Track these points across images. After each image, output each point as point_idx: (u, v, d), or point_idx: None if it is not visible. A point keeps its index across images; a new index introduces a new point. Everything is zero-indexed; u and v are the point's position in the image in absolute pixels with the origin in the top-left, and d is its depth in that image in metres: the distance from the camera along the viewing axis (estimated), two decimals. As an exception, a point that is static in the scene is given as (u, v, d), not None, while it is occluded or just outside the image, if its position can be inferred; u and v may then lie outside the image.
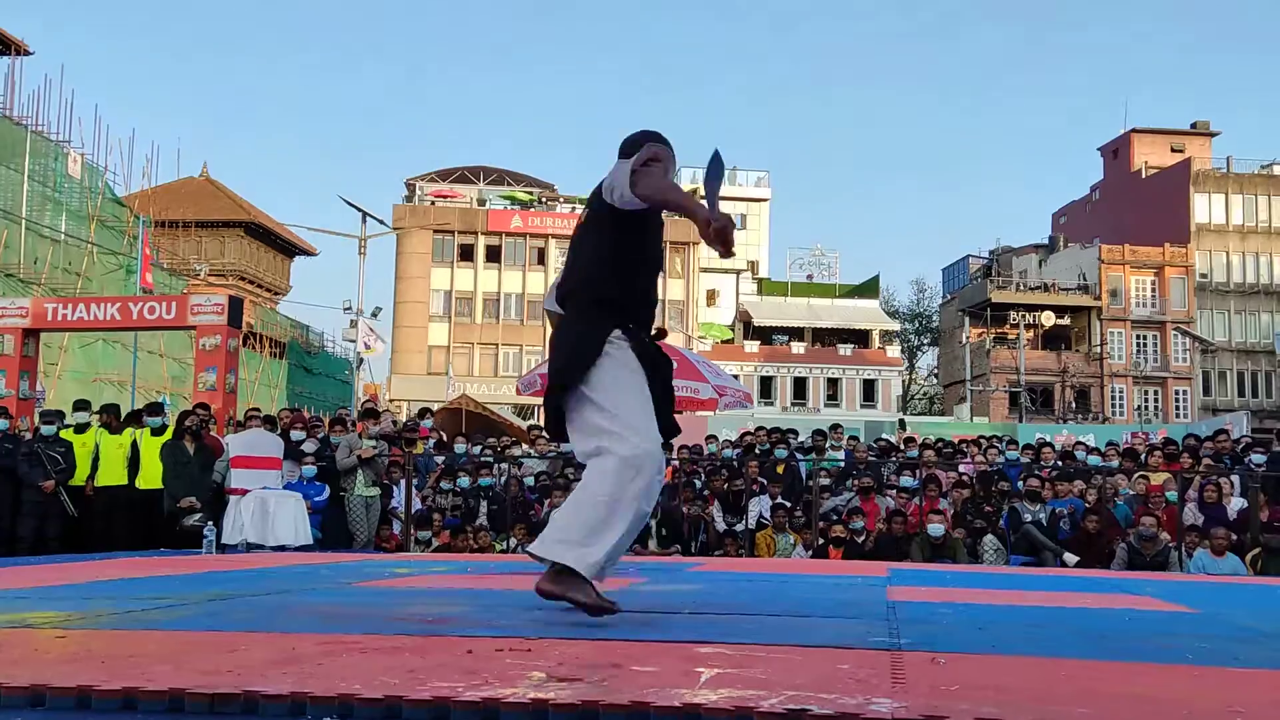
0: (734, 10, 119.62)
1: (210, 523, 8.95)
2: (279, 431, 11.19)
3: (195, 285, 33.24)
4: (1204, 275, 51.92)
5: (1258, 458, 11.38)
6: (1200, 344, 46.91)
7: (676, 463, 12.54)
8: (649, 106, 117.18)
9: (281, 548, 9.34)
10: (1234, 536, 9.98)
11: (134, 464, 10.34)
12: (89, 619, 3.31)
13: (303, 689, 2.01)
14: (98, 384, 23.98)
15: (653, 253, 3.71)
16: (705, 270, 51.61)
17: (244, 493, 9.64)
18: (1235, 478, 10.93)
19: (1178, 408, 50.37)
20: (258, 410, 12.15)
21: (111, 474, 10.33)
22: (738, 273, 53.01)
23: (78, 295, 21.65)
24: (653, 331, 3.67)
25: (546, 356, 3.61)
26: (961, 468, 12.22)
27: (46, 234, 24.56)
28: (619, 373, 3.43)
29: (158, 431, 10.48)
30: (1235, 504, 10.56)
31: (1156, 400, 50.63)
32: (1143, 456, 12.46)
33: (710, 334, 50.75)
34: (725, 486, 11.44)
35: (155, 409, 11.14)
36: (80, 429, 10.56)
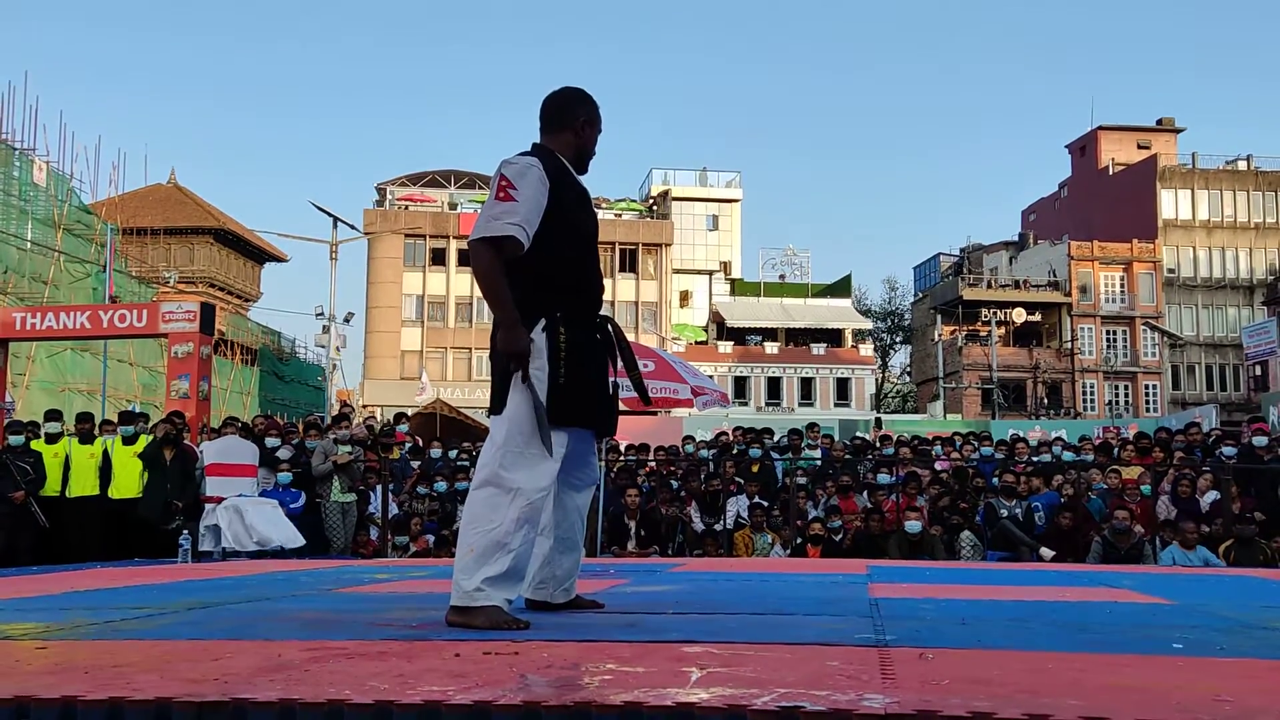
0: (708, 11, 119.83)
1: (186, 531, 8.88)
2: (253, 438, 11.12)
3: (165, 293, 32.97)
4: (1172, 270, 52.44)
5: (1228, 450, 11.50)
6: (1169, 338, 47.35)
7: (654, 464, 12.56)
8: (621, 107, 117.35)
9: (258, 555, 9.27)
10: (1206, 529, 10.07)
11: (105, 474, 10.25)
12: (69, 630, 3.28)
13: (291, 695, 1.99)
14: (66, 393, 23.75)
15: None
16: (678, 271, 51.68)
17: (219, 500, 9.57)
18: (1207, 470, 11.03)
19: (1148, 402, 50.83)
20: (235, 419, 12.07)
21: (84, 484, 10.22)
22: (710, 274, 53.10)
23: (46, 304, 21.44)
24: None
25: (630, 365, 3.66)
26: (938, 465, 12.28)
27: (13, 243, 24.30)
28: None
29: (129, 440, 10.38)
30: (1209, 496, 10.66)
31: (1127, 395, 51.07)
32: (1115, 451, 12.55)
33: (684, 335, 50.77)
34: (702, 487, 11.45)
35: (127, 418, 11.05)
36: (52, 439, 10.45)
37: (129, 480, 10.16)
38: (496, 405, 3.37)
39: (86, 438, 10.51)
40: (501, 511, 3.23)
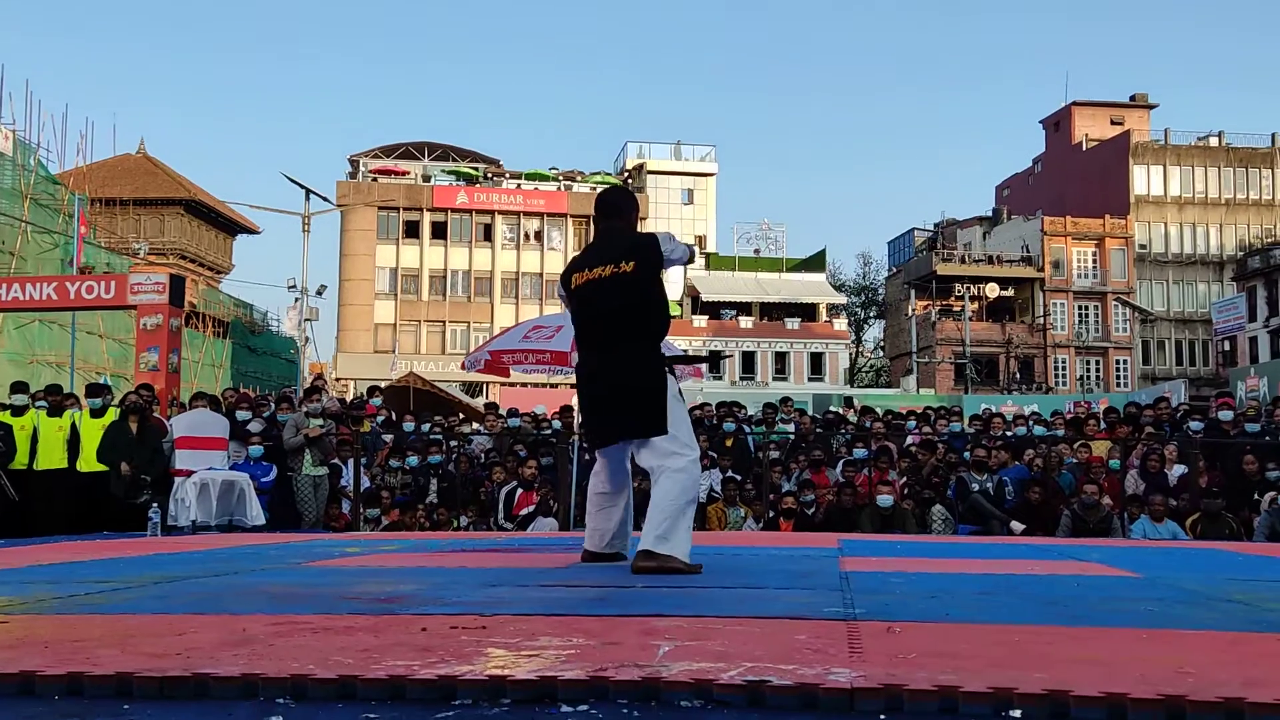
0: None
1: (155, 505, 8.81)
2: (224, 412, 11.03)
3: (136, 265, 32.63)
4: (1143, 246, 52.78)
5: (1196, 425, 11.59)
6: (1140, 314, 47.70)
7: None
8: (594, 81, 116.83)
9: (229, 529, 9.23)
10: (1173, 503, 10.16)
11: (74, 446, 10.13)
12: (31, 604, 3.24)
13: (254, 670, 1.97)
14: (34, 365, 23.53)
15: None
16: (652, 246, 51.45)
17: (189, 474, 9.50)
18: (1174, 445, 11.12)
19: (1118, 377, 51.25)
20: (204, 393, 11.97)
21: (51, 457, 10.11)
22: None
23: (12, 275, 21.17)
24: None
25: (617, 379, 4.46)
26: (910, 439, 12.31)
27: (-22, 213, 24.02)
28: (677, 402, 4.45)
29: (98, 413, 10.26)
30: (1176, 471, 10.75)
31: (1098, 370, 51.47)
32: (1085, 425, 12.63)
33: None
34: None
35: (95, 390, 10.93)
36: (18, 411, 10.32)
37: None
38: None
39: (55, 410, 10.38)
40: None
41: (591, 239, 4.75)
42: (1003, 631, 2.67)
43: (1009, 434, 12.23)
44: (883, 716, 1.76)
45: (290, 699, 1.88)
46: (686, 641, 2.34)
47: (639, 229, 4.76)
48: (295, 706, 1.84)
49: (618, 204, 4.70)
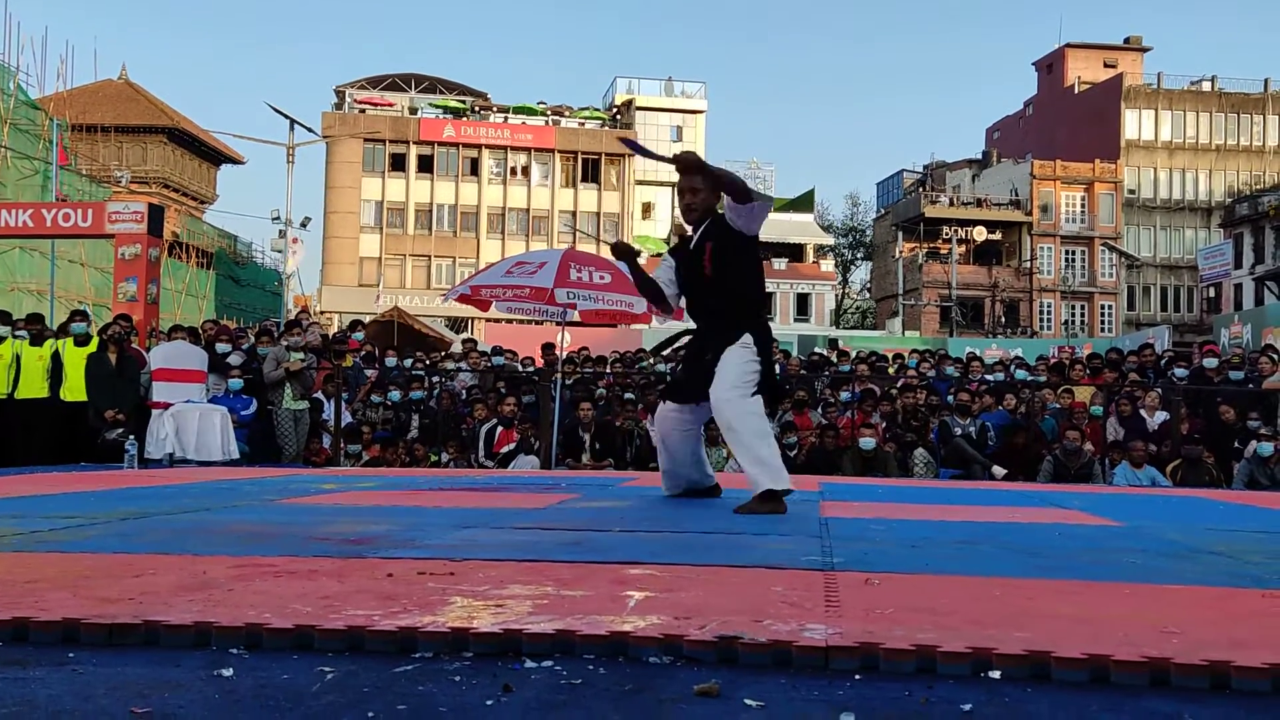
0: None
1: (132, 437, 8.72)
2: (203, 344, 10.91)
3: (118, 193, 32.19)
4: (1132, 191, 52.59)
5: (1180, 372, 11.58)
6: (1127, 259, 47.65)
7: (610, 376, 12.50)
8: (584, 15, 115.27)
9: (207, 462, 9.16)
10: (1154, 448, 10.17)
11: (56, 375, 10.02)
12: (-9, 541, 3.16)
13: (207, 618, 1.90)
14: (15, 293, 23.29)
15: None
16: (640, 183, 51.18)
17: (166, 406, 9.40)
18: (1156, 391, 11.12)
19: (1103, 322, 51.34)
20: (181, 326, 11.83)
21: (32, 386, 9.99)
22: (673, 185, 52.49)
23: (-10, 202, 20.83)
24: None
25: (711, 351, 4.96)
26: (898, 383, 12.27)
27: (-45, 137, 23.58)
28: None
29: (81, 341, 10.12)
30: (1158, 417, 10.75)
31: (1083, 315, 51.52)
32: (1067, 370, 12.61)
33: (645, 247, 50.45)
34: (658, 399, 11.38)
35: (78, 317, 10.77)
36: (-3, 340, 10.18)
37: (80, 382, 9.93)
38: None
39: (37, 339, 10.24)
40: None
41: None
42: (983, 584, 2.61)
43: (989, 378, 12.20)
44: (858, 676, 1.70)
45: (244, 649, 1.81)
46: (659, 593, 2.28)
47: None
48: (249, 657, 1.77)
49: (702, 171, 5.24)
